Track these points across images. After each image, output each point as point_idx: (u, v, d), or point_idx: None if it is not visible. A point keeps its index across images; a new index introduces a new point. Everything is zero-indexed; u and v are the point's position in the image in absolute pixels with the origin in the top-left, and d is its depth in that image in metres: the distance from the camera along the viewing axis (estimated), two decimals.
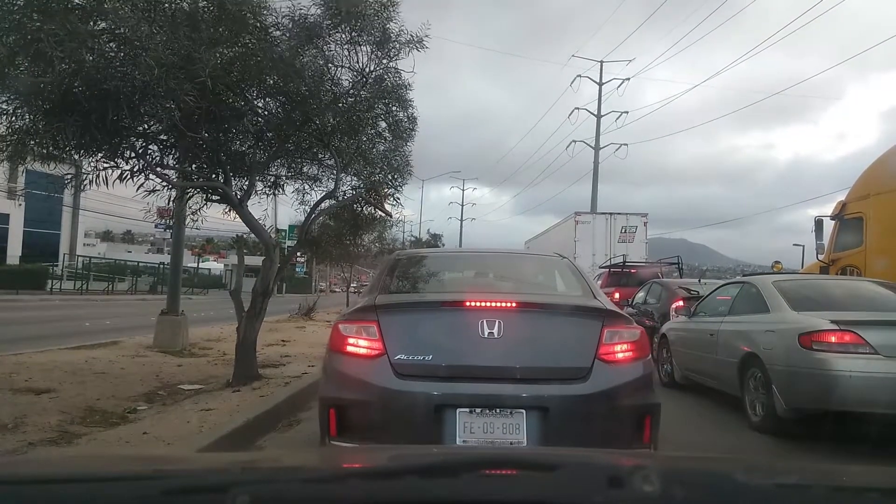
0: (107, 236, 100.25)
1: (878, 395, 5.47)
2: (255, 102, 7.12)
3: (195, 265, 63.35)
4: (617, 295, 15.78)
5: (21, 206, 26.02)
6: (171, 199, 7.71)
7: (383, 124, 7.98)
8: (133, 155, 6.72)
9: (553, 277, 5.09)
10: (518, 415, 3.53)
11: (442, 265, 5.48)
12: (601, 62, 39.28)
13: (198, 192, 7.89)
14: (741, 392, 6.75)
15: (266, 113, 7.31)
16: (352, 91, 7.21)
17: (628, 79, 39.29)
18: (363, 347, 3.78)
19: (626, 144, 39.12)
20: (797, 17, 27.44)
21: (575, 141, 40.19)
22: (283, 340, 13.45)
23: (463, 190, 70.88)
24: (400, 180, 8.90)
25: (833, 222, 12.16)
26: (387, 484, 1.49)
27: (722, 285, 9.02)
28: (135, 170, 6.74)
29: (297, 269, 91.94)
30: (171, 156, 7.25)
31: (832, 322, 5.83)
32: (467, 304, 3.87)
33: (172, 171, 7.31)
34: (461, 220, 71.62)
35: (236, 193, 7.63)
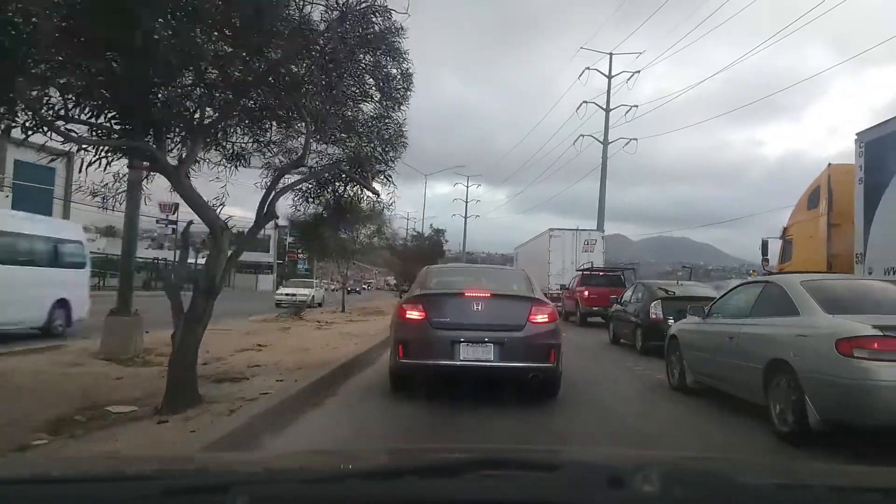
0: (108, 231, 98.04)
1: None
2: (200, 41, 5.29)
3: (194, 259, 63.20)
4: (586, 292, 22.07)
5: (8, 197, 24.90)
6: (85, 164, 5.77)
7: (370, 80, 6.53)
8: (23, 106, 4.96)
9: (513, 281, 8.58)
10: (489, 346, 6.97)
11: (453, 273, 9.80)
12: (610, 54, 39.16)
13: (119, 157, 5.99)
14: (766, 400, 6.26)
15: (213, 55, 5.50)
16: (328, 31, 5.70)
17: (638, 71, 39.35)
18: (416, 314, 7.21)
19: (636, 139, 39.01)
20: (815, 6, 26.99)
21: (583, 135, 40.12)
22: (258, 345, 11.67)
23: (467, 186, 71.25)
24: (392, 154, 7.64)
25: (780, 242, 16.79)
26: (387, 484, 1.49)
27: (739, 284, 8.81)
28: (27, 124, 5.04)
29: (299, 266, 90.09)
30: (81, 108, 5.39)
31: (874, 327, 5.30)
32: (466, 294, 7.45)
33: (84, 128, 5.55)
34: (465, 218, 71.96)
35: (174, 161, 6.12)
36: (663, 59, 47.88)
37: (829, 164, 14.72)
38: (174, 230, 57.05)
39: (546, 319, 7.25)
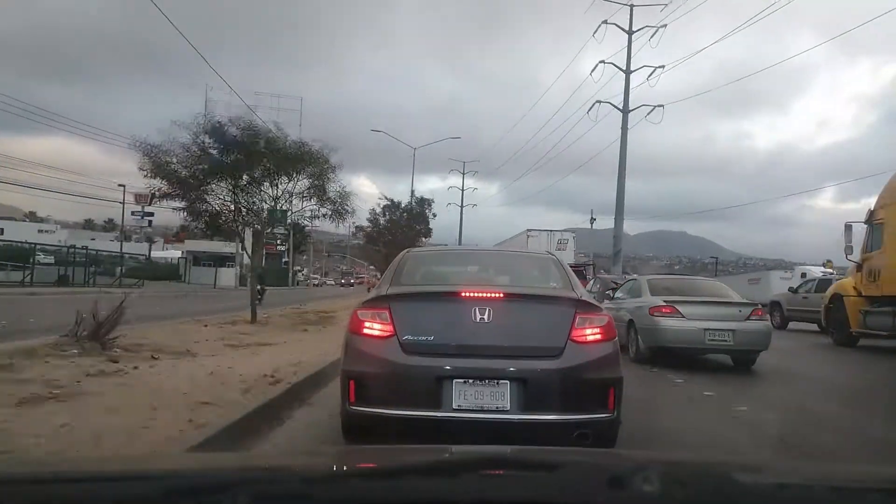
0: (88, 224, 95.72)
1: (682, 338, 10.31)
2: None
3: (147, 253, 57.99)
4: None
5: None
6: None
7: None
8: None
9: (539, 272, 5.86)
10: (503, 385, 4.20)
11: (443, 260, 6.50)
12: (630, 5, 31.90)
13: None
14: (627, 341, 11.06)
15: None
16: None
17: (664, 25, 31.46)
18: (378, 328, 4.43)
19: (662, 105, 31.96)
20: None
21: (599, 101, 33.19)
22: None
23: (463, 173, 63.06)
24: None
25: (865, 227, 14.36)
26: (387, 484, 1.49)
27: (627, 280, 14.23)
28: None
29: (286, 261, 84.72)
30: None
31: (664, 301, 10.77)
32: (464, 293, 4.55)
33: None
34: (461, 207, 65.81)
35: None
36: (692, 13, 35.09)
37: None
38: (150, 222, 54.84)
39: (599, 336, 4.44)
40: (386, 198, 39.30)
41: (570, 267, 5.85)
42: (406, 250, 6.15)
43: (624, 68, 32.01)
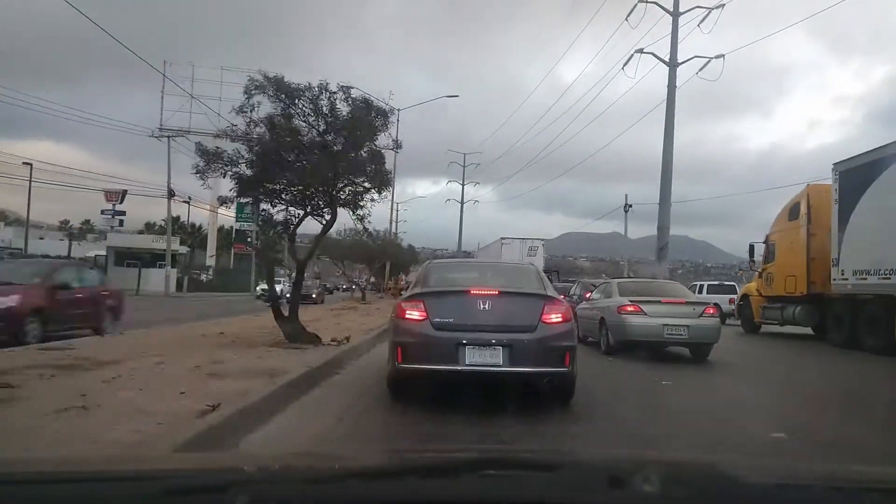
0: (64, 225, 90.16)
1: (645, 333, 11.88)
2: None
3: (67, 252, 52.36)
4: None
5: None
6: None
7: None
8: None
9: (523, 278, 7.86)
10: (497, 349, 6.44)
11: (457, 269, 9.10)
12: None
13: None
14: (599, 336, 13.26)
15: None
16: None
17: (721, 5, 25.34)
18: (416, 314, 6.65)
19: (723, 55, 25.70)
20: None
21: (642, 51, 27.05)
22: None
23: (464, 166, 64.11)
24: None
25: (764, 245, 20.37)
26: (387, 484, 1.49)
27: (601, 283, 15.93)
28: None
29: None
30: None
31: (630, 300, 12.29)
32: (472, 291, 6.86)
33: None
34: (461, 203, 65.49)
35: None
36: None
37: (808, 185, 18.18)
38: (122, 221, 49.45)
39: (560, 319, 6.66)
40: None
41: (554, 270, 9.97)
42: (427, 262, 8.92)
43: (667, 58, 26.14)
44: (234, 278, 55.75)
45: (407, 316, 6.68)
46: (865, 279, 14.77)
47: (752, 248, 21.00)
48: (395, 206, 46.15)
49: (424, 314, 6.59)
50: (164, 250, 46.69)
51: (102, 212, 48.44)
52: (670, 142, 26.24)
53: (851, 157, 15.91)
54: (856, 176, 15.29)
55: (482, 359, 6.40)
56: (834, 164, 16.29)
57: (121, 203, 47.87)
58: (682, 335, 11.79)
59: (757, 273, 20.64)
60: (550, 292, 7.13)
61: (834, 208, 16.02)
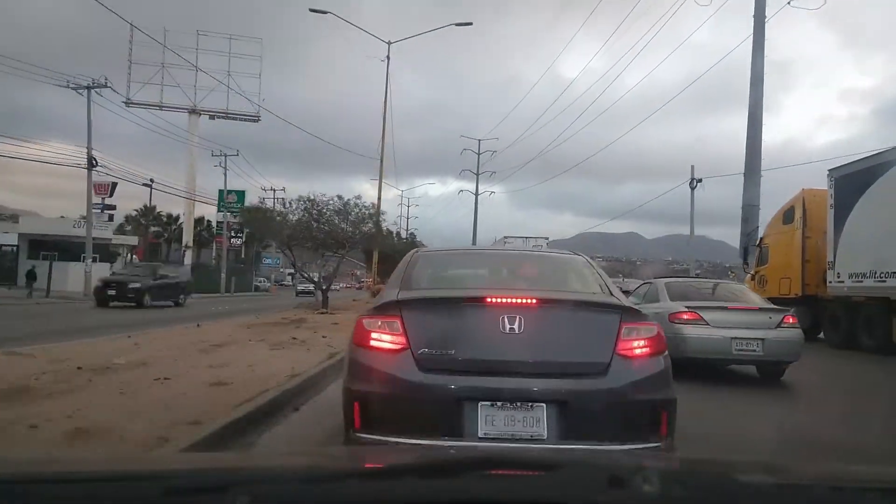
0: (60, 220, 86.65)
1: (708, 349, 9.37)
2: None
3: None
4: None
5: None
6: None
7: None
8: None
9: (573, 275, 4.96)
10: (539, 408, 3.57)
11: (462, 261, 5.62)
12: None
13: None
14: None
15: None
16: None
17: None
18: (388, 341, 3.80)
19: None
20: None
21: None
22: None
23: (478, 153, 56.19)
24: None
25: (757, 249, 20.63)
26: (387, 484, 1.49)
27: (641, 284, 13.73)
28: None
29: (267, 260, 70.65)
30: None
31: (686, 307, 9.83)
32: (489, 300, 3.86)
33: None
34: (476, 194, 57.28)
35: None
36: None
37: (803, 189, 18.32)
38: (111, 217, 46.74)
39: (648, 350, 3.83)
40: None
41: None
42: (414, 249, 5.46)
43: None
44: (203, 276, 47.96)
45: (372, 343, 3.83)
46: (861, 282, 15.05)
47: (745, 251, 22.12)
48: (404, 199, 43.51)
49: (403, 340, 3.76)
50: (78, 238, 36.77)
51: (91, 206, 38.78)
52: (759, 90, 24.35)
53: (847, 164, 16.30)
54: (851, 182, 15.59)
55: (509, 427, 3.55)
56: (829, 170, 16.59)
57: (110, 196, 45.36)
58: (755, 351, 9.26)
59: (749, 275, 21.06)
60: (625, 301, 4.30)
61: (829, 213, 16.33)
